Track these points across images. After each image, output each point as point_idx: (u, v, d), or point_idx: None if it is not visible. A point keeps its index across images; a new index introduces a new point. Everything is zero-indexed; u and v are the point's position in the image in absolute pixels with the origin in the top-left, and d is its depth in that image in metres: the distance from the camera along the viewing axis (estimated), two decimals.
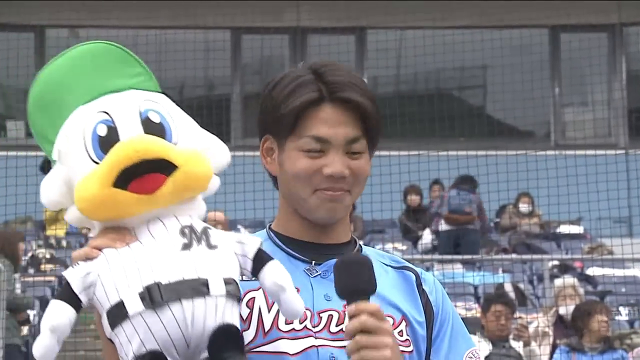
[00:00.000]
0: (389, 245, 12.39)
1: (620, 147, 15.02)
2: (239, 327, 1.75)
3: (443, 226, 12.75)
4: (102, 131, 1.73)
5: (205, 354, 1.70)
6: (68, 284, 1.70)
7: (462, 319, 2.19)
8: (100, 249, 1.73)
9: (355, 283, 1.84)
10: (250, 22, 15.45)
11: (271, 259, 1.82)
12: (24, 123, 16.05)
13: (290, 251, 2.05)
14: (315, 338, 1.95)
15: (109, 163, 1.69)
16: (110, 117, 1.74)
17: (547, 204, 12.35)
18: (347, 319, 1.86)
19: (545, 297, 10.62)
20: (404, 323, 2.03)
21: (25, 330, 9.42)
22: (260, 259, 1.80)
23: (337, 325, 1.98)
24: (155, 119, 1.75)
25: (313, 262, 2.04)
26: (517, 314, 8.94)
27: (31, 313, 9.70)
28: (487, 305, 8.02)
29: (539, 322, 9.04)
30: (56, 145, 1.78)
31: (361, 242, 2.16)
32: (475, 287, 11.36)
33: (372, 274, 1.86)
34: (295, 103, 1.99)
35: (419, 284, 2.11)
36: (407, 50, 14.73)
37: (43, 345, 1.68)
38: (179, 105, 1.86)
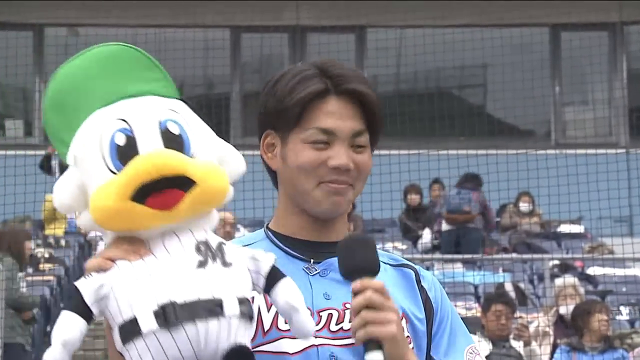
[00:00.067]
0: (388, 245, 12.37)
1: (620, 146, 15.01)
2: (250, 347, 1.75)
3: (444, 226, 12.75)
4: (120, 140, 1.71)
5: None
6: (80, 294, 1.69)
7: (463, 318, 2.19)
8: (113, 260, 1.71)
9: (361, 261, 1.86)
10: (249, 21, 15.43)
11: (284, 276, 1.80)
12: (22, 122, 16.05)
13: (289, 250, 2.04)
14: (315, 337, 1.92)
15: (127, 176, 1.67)
16: (129, 125, 1.72)
17: (548, 203, 12.34)
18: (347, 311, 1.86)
19: (546, 297, 10.61)
20: (404, 320, 2.02)
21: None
22: (274, 276, 1.79)
23: (337, 324, 1.98)
24: (175, 130, 1.72)
25: (312, 260, 2.03)
26: (518, 314, 8.92)
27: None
28: (487, 305, 8.00)
29: (540, 321, 9.03)
30: (72, 150, 1.74)
31: None
32: (476, 287, 11.34)
33: (376, 254, 1.88)
34: (302, 94, 2.00)
35: (418, 281, 2.11)
36: (407, 49, 14.71)
37: (54, 359, 1.69)
38: None
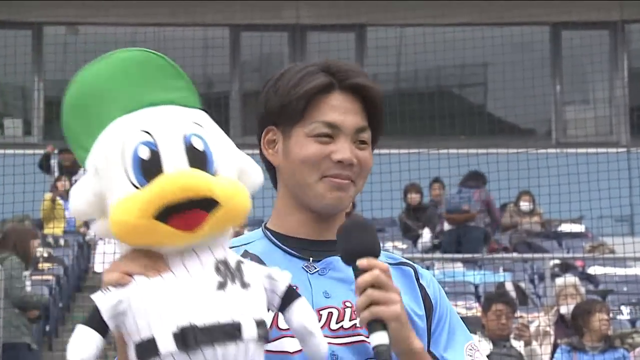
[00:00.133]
0: (389, 244, 12.35)
1: (621, 145, 15.00)
2: None
3: (446, 225, 12.75)
4: (144, 154, 1.68)
5: None
6: (97, 309, 1.67)
7: (463, 318, 2.18)
8: (131, 275, 1.69)
9: (363, 243, 1.87)
10: (249, 20, 15.42)
11: (299, 296, 1.79)
12: (21, 121, 16.04)
13: (288, 249, 2.04)
14: None
15: (151, 194, 1.64)
16: (153, 138, 1.69)
17: (548, 203, 12.32)
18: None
19: (547, 296, 10.60)
20: None
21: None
22: (289, 296, 1.78)
23: (337, 323, 1.98)
24: (199, 146, 1.70)
25: (311, 259, 2.04)
26: (518, 313, 8.91)
27: None
28: (487, 305, 7.98)
29: (540, 321, 9.02)
30: (93, 160, 1.72)
31: None
32: (476, 286, 11.33)
33: (376, 237, 1.89)
34: (307, 87, 2.01)
35: (417, 279, 2.12)
36: (407, 48, 14.70)
37: None
38: None
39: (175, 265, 1.69)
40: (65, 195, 13.19)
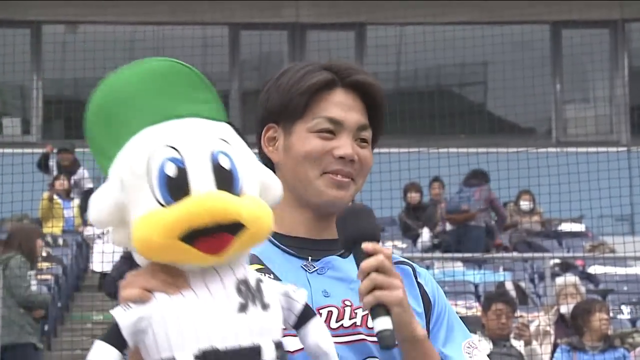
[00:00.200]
0: (388, 243, 12.34)
1: (622, 144, 14.99)
2: None
3: (447, 225, 12.75)
4: (171, 171, 1.65)
5: None
6: (117, 326, 1.66)
7: (463, 317, 2.19)
8: (151, 291, 1.68)
9: (364, 228, 1.88)
10: (248, 18, 15.41)
11: (314, 315, 1.78)
12: (20, 120, 16.01)
13: (286, 248, 2.05)
14: None
15: (178, 216, 1.62)
16: (180, 155, 1.66)
17: (549, 202, 12.29)
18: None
19: (547, 296, 10.58)
20: None
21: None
22: (305, 315, 1.78)
23: (337, 321, 1.99)
24: (226, 164, 1.68)
25: (309, 258, 2.05)
26: (518, 313, 8.90)
27: None
28: (487, 304, 7.96)
29: (540, 320, 9.00)
30: (117, 170, 1.69)
31: None
32: (476, 286, 11.32)
33: (377, 222, 1.91)
34: (310, 82, 2.03)
35: (415, 277, 2.13)
36: (407, 47, 14.69)
37: None
38: None
39: (196, 283, 1.68)
40: (63, 194, 13.18)
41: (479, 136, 14.16)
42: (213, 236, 1.63)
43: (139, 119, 1.70)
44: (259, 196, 1.72)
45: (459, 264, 11.54)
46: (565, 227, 13.57)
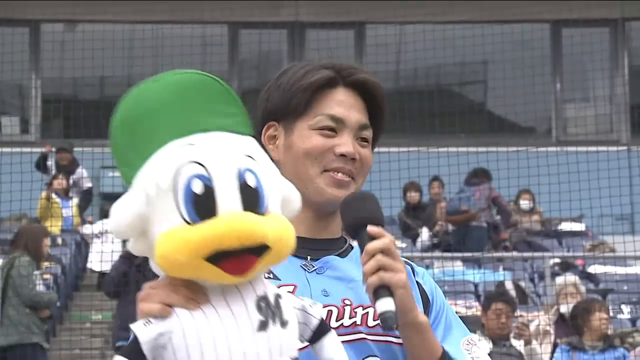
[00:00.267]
0: None
1: (622, 143, 14.98)
2: None
3: (450, 226, 12.74)
4: (198, 188, 1.65)
5: None
6: (137, 341, 1.66)
7: (463, 317, 2.22)
8: (171, 306, 1.68)
9: (371, 211, 1.92)
10: (248, 17, 15.39)
11: (330, 330, 1.80)
12: (18, 119, 15.99)
13: None
14: None
15: (205, 238, 1.63)
16: (207, 172, 1.66)
17: (549, 201, 12.25)
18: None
19: (547, 295, 10.57)
20: None
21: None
22: (321, 329, 1.79)
23: (337, 320, 1.99)
24: (252, 182, 1.68)
25: (308, 257, 2.06)
26: (518, 312, 8.90)
27: None
28: (487, 304, 7.95)
29: (540, 320, 8.98)
30: (142, 183, 1.68)
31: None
32: (476, 285, 11.31)
33: (380, 207, 1.95)
34: (312, 79, 2.04)
35: (414, 275, 2.14)
36: (406, 46, 14.67)
37: None
38: None
39: (216, 299, 1.68)
40: (62, 194, 13.16)
41: (479, 135, 14.14)
42: (238, 258, 1.63)
43: (165, 130, 1.70)
44: (280, 210, 1.72)
45: (459, 263, 11.53)
46: (565, 226, 13.56)
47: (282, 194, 1.74)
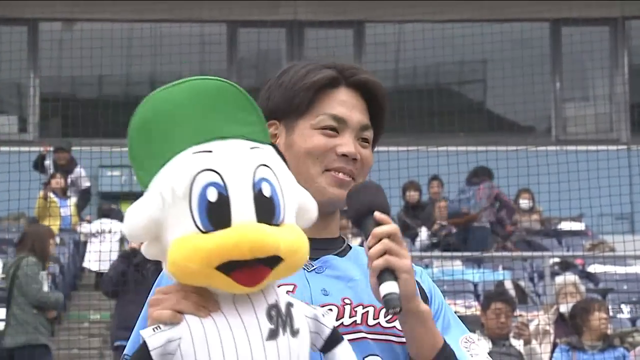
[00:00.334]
0: None
1: (622, 142, 14.98)
2: None
3: (453, 227, 12.76)
4: (212, 196, 1.65)
5: None
6: (146, 347, 1.66)
7: (462, 316, 2.23)
8: (181, 312, 1.68)
9: (377, 199, 1.93)
10: (246, 16, 15.38)
11: (342, 339, 1.80)
12: (16, 118, 15.97)
13: None
14: None
15: (218, 248, 1.63)
16: (223, 181, 1.66)
17: (548, 200, 12.24)
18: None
19: (546, 295, 10.56)
20: None
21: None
22: (332, 338, 1.79)
23: (337, 320, 1.98)
24: (267, 192, 1.68)
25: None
26: (518, 312, 8.90)
27: None
28: (487, 303, 7.94)
29: (540, 320, 8.97)
30: (158, 188, 1.68)
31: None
32: (475, 285, 11.30)
33: (386, 196, 1.97)
34: (315, 78, 2.05)
35: None
36: (406, 44, 14.66)
37: None
38: None
39: (227, 307, 1.69)
40: (60, 193, 13.13)
41: (478, 134, 14.13)
42: (250, 268, 1.63)
43: (182, 137, 1.70)
44: (295, 219, 1.72)
45: (458, 262, 11.52)
46: (565, 225, 13.56)
47: (298, 203, 1.74)
